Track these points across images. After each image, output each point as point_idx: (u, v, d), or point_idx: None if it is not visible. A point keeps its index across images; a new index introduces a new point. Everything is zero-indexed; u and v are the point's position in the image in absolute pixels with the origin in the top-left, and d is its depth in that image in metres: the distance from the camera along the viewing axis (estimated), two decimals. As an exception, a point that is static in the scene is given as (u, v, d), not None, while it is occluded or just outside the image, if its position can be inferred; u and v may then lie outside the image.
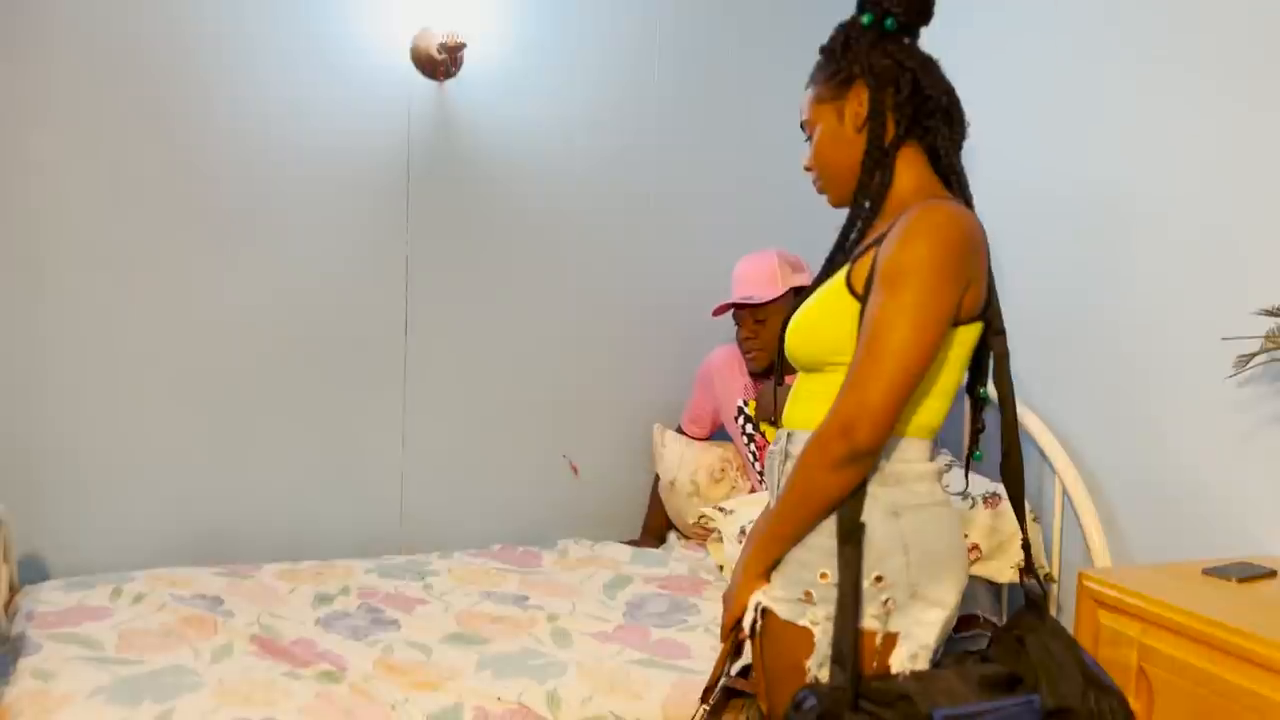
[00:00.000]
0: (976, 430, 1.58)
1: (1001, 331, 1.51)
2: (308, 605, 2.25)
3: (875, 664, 1.41)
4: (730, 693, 1.64)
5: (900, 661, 1.41)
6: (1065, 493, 2.26)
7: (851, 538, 1.40)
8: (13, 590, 2.25)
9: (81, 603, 2.18)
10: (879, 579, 1.40)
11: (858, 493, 1.42)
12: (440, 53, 2.67)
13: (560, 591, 2.40)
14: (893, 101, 1.49)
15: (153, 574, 2.37)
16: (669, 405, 3.00)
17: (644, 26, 2.93)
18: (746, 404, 2.67)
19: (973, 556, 2.17)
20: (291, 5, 2.59)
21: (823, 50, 1.58)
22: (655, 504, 2.95)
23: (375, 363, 2.74)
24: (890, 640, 1.41)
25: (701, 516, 2.58)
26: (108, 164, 2.47)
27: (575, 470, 2.96)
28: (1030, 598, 1.51)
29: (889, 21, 1.51)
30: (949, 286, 1.38)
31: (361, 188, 2.70)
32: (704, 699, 1.61)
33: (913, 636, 1.42)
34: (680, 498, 2.79)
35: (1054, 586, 2.28)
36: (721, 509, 2.42)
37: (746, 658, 1.62)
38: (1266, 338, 1.83)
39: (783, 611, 1.45)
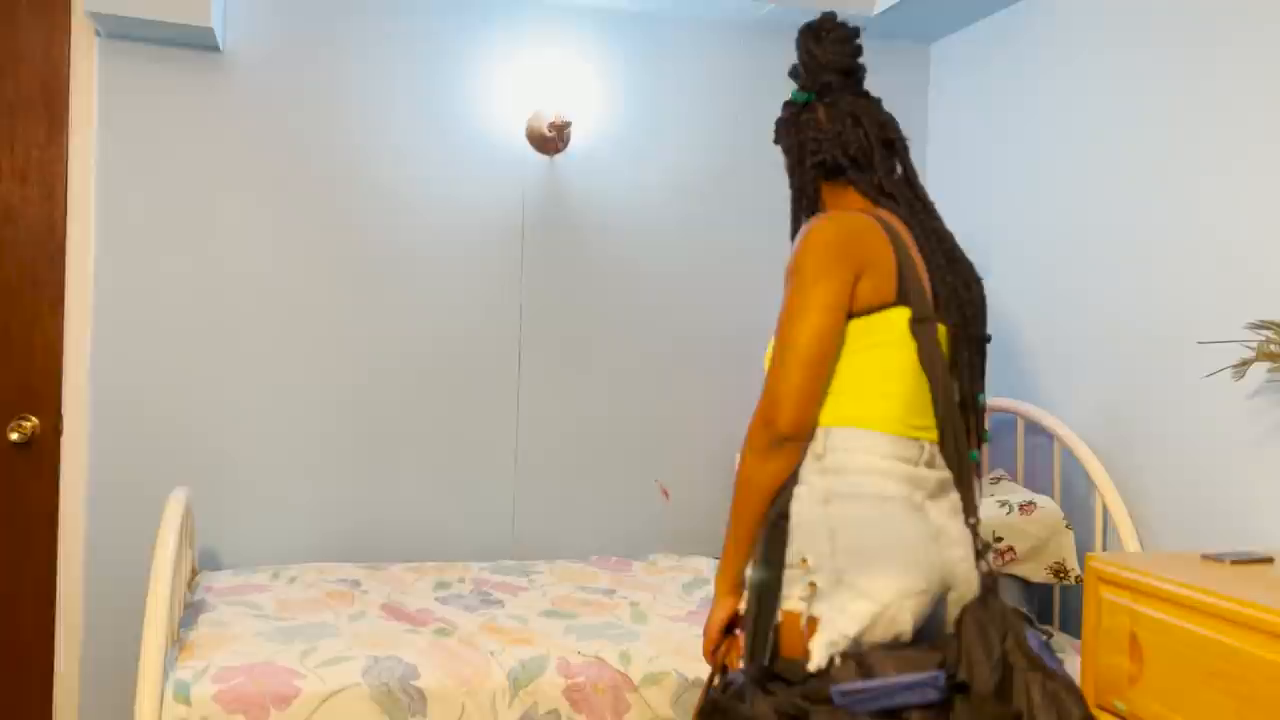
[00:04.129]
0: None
1: (924, 319, 1.58)
2: (430, 589, 2.65)
3: (800, 646, 1.47)
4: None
5: (819, 647, 1.45)
6: (1105, 507, 2.48)
7: (776, 527, 1.52)
8: (193, 572, 2.73)
9: (247, 581, 2.64)
10: (804, 561, 1.50)
11: (792, 482, 1.54)
12: (550, 131, 3.14)
13: (644, 588, 2.73)
14: (801, 169, 1.74)
15: (304, 565, 2.82)
16: (752, 437, 3.32)
17: (729, 102, 3.34)
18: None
19: (1007, 558, 2.41)
20: (428, 97, 3.10)
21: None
22: (739, 527, 3.23)
23: (492, 395, 3.17)
24: (812, 624, 1.47)
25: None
26: (279, 223, 3.00)
27: (666, 495, 3.29)
28: (984, 581, 1.57)
29: (800, 95, 1.73)
30: (827, 279, 1.54)
31: (484, 245, 3.16)
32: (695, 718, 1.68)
33: (833, 624, 1.46)
34: (760, 519, 3.08)
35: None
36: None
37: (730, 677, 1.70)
38: (1258, 348, 2.05)
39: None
